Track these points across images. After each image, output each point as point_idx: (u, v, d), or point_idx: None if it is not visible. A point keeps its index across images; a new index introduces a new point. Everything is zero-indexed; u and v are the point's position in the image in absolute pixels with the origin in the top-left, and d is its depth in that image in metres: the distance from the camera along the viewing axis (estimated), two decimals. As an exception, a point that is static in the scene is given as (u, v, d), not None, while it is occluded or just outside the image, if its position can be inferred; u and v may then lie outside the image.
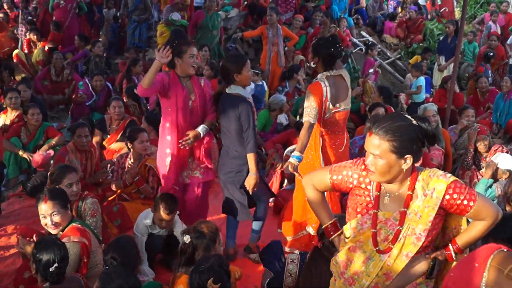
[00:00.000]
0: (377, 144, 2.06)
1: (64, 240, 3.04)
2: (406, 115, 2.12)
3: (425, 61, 9.99)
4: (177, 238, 3.89)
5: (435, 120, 5.83)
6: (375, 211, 2.19)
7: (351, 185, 2.28)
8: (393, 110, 6.86)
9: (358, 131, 6.30)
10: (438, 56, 9.86)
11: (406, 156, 2.06)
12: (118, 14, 10.55)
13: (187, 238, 3.22)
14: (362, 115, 7.44)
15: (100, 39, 9.81)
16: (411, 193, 2.14)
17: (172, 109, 3.92)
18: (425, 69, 9.45)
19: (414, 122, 2.07)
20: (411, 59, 10.93)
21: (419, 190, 2.13)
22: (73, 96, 7.45)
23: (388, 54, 11.51)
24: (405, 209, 2.15)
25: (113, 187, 4.83)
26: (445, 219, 2.25)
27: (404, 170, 2.09)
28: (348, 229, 2.28)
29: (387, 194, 2.19)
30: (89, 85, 7.26)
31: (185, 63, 3.88)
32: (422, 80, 8.56)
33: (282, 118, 6.85)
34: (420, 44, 11.60)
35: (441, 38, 10.45)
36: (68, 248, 2.91)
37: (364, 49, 10.63)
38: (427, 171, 2.15)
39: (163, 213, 3.87)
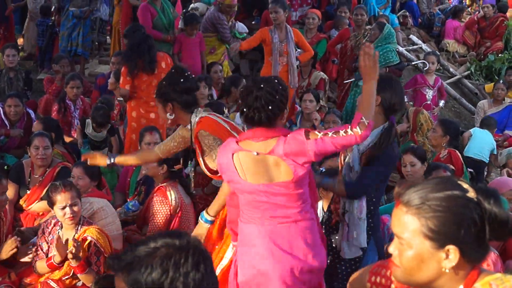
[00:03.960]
0: (404, 222, 1.99)
1: None
2: (460, 181, 2.00)
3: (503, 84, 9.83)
4: None
5: None
6: None
7: None
8: (459, 157, 6.84)
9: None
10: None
11: (447, 247, 1.93)
12: (52, 8, 10.66)
13: None
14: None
15: (13, 43, 9.81)
16: None
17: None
18: (503, 95, 9.51)
19: (472, 194, 1.95)
20: (487, 84, 10.86)
21: None
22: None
23: (451, 69, 11.60)
24: None
25: (36, 270, 4.71)
26: None
27: (447, 270, 1.95)
28: None
29: None
30: (0, 111, 7.32)
31: None
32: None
33: None
34: (500, 55, 11.70)
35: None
36: None
37: (416, 63, 10.47)
38: (493, 277, 1.98)
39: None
